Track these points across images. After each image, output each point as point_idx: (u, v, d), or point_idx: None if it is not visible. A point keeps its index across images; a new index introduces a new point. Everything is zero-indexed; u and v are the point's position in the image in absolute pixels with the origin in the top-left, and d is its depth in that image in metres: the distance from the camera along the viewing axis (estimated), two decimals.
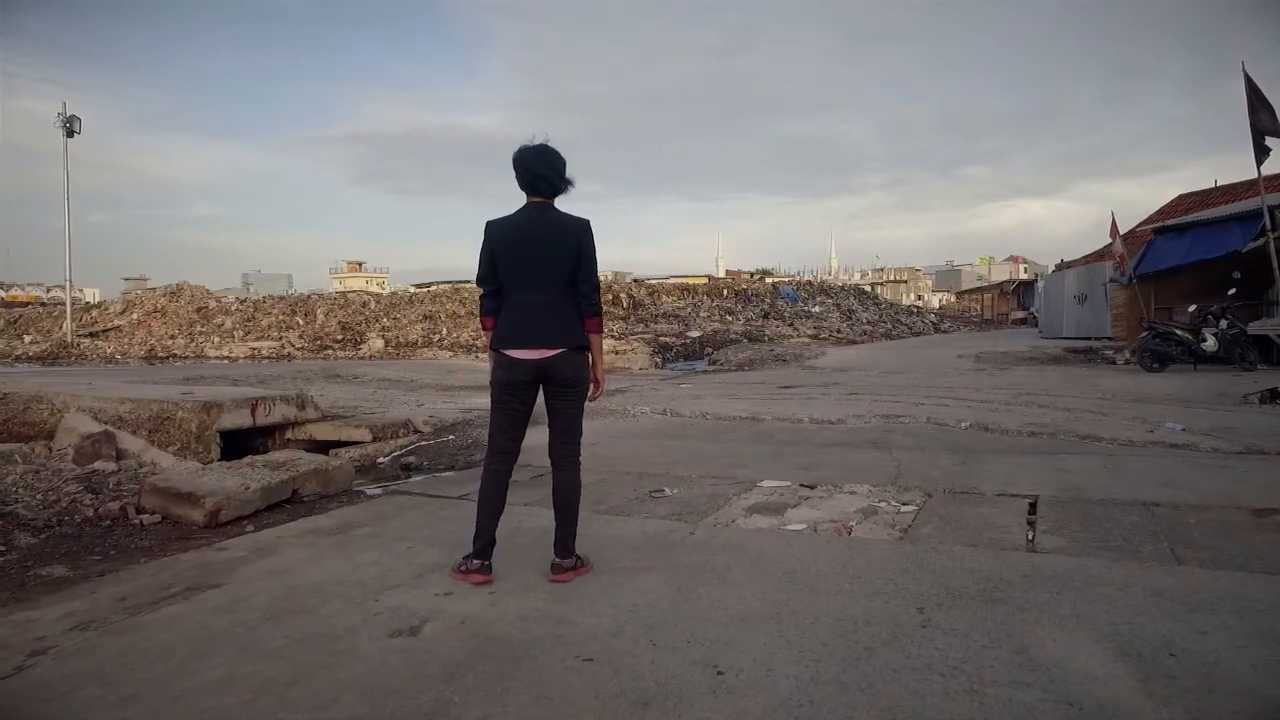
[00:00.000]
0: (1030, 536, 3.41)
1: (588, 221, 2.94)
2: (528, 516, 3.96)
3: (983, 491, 4.31)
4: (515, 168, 2.89)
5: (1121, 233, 14.96)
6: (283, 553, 3.33)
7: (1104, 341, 17.13)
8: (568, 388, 2.92)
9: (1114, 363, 13.49)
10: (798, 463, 5.30)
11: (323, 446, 6.64)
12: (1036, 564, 2.99)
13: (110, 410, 6.77)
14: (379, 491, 4.76)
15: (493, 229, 2.92)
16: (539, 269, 2.86)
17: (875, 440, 6.20)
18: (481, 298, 3.01)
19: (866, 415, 7.49)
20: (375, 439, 6.58)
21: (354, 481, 4.99)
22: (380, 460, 6.27)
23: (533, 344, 2.85)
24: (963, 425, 6.81)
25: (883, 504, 4.10)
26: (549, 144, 2.91)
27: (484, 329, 3.06)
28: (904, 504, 4.09)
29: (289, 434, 6.92)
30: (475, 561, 2.90)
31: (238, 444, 6.51)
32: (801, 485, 4.59)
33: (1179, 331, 11.52)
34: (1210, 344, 11.24)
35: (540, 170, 2.86)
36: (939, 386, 10.14)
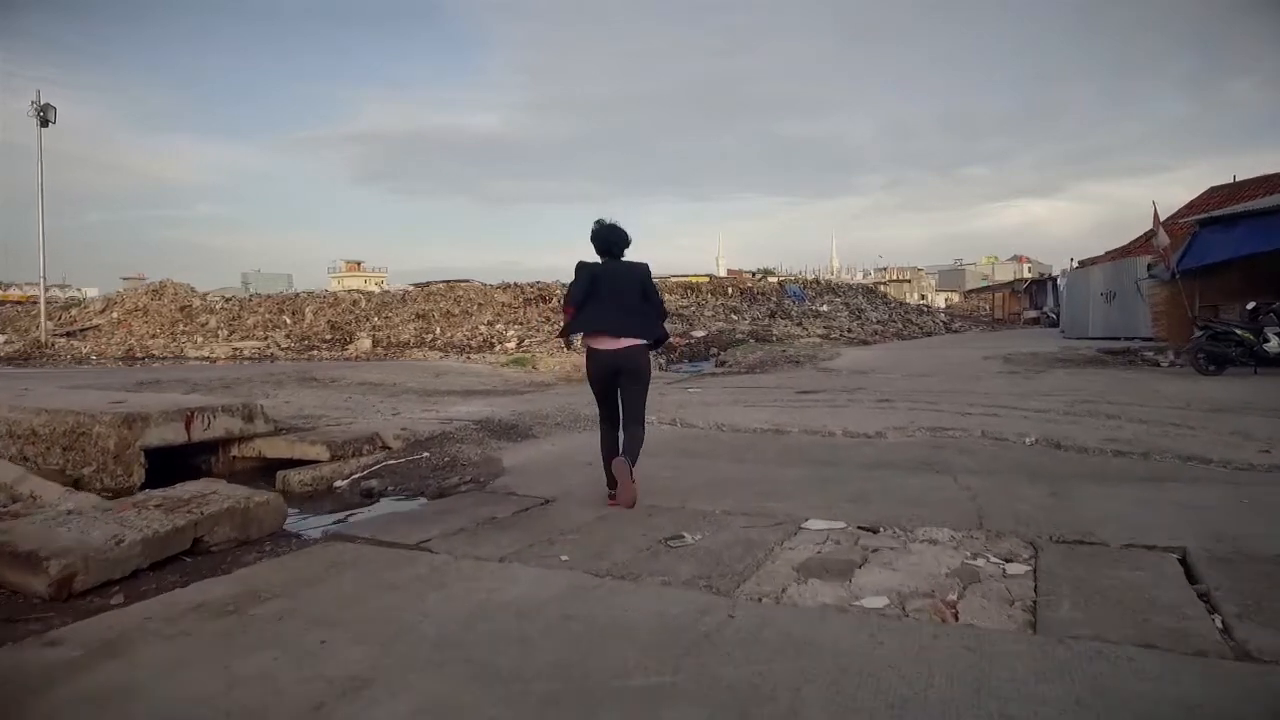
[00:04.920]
0: (1221, 624, 2.37)
1: (647, 265, 4.19)
2: (501, 582, 2.89)
3: (1104, 540, 3.27)
4: (594, 240, 4.10)
5: (1162, 220, 13.86)
6: (136, 652, 2.27)
7: (1140, 342, 16.03)
8: (633, 378, 4.05)
9: (1158, 365, 12.41)
10: (844, 492, 4.27)
11: (274, 465, 5.61)
12: (1273, 686, 1.95)
13: (25, 423, 5.73)
14: (318, 534, 3.73)
15: (585, 267, 4.06)
16: (616, 296, 4.01)
17: (929, 460, 5.16)
18: (566, 315, 4.17)
19: (908, 427, 6.44)
20: (334, 457, 5.52)
21: (291, 519, 3.96)
22: (338, 484, 5.23)
23: (609, 339, 3.98)
24: (1026, 441, 5.76)
25: (980, 561, 3.06)
26: (618, 224, 4.11)
27: (562, 335, 4.51)
28: (1007, 560, 3.06)
29: (234, 451, 5.88)
30: (610, 493, 4.09)
31: (174, 464, 5.47)
32: (860, 528, 3.55)
33: (1239, 331, 10.43)
34: (1274, 345, 10.16)
35: (614, 241, 4.10)
36: (976, 392, 9.08)
